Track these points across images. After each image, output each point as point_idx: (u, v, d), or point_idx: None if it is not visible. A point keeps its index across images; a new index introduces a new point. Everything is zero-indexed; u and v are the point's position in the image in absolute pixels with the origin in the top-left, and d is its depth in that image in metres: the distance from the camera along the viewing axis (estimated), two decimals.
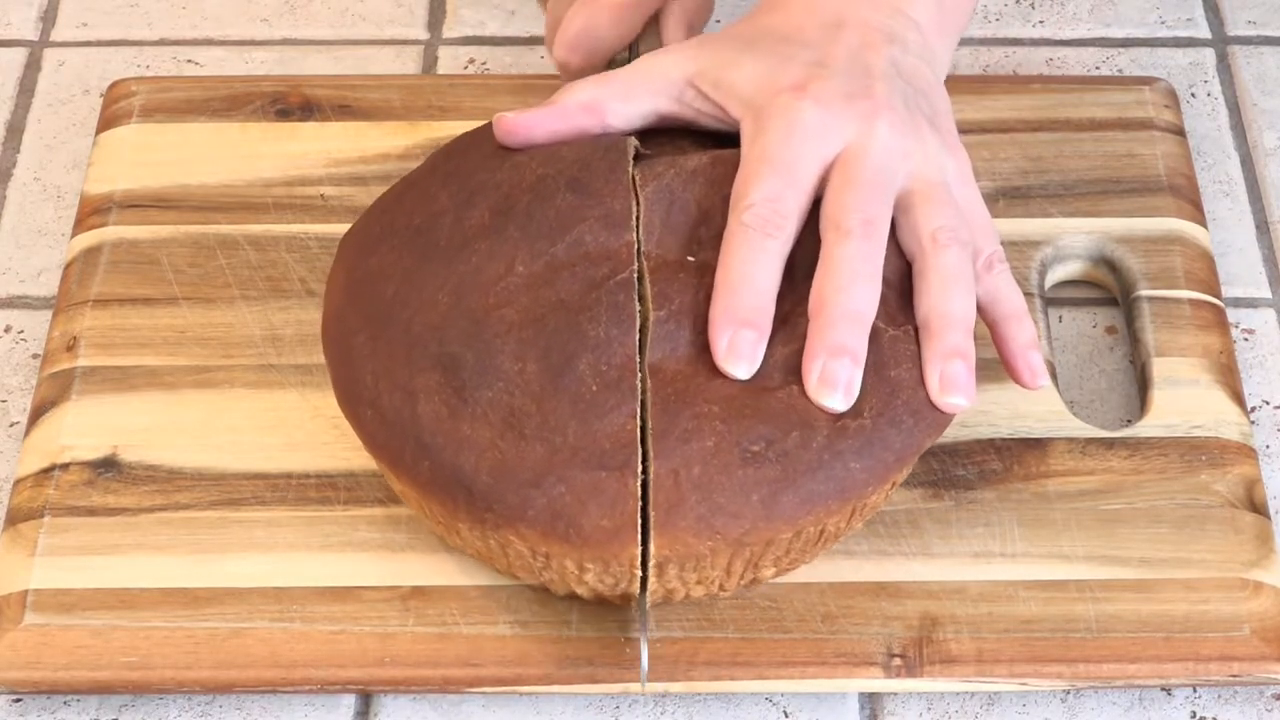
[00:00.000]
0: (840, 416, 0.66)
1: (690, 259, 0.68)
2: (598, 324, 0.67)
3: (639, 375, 0.66)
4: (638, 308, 0.67)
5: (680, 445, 0.65)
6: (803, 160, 0.68)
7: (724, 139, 0.72)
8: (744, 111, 0.70)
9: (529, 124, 0.72)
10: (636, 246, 0.68)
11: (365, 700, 0.72)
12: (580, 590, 0.69)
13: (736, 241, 0.67)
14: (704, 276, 0.68)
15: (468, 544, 0.69)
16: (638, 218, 0.69)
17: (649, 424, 0.65)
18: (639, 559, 0.66)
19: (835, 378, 0.66)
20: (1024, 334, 0.71)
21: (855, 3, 0.73)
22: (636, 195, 0.70)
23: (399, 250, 0.70)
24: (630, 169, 0.70)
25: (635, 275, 0.68)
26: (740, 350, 0.66)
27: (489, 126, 0.73)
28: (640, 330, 0.67)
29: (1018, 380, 0.71)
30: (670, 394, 0.66)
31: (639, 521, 0.65)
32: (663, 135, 0.73)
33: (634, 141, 0.71)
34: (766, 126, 0.69)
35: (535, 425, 0.65)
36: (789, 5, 0.74)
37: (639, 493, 0.65)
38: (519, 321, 0.67)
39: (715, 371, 0.66)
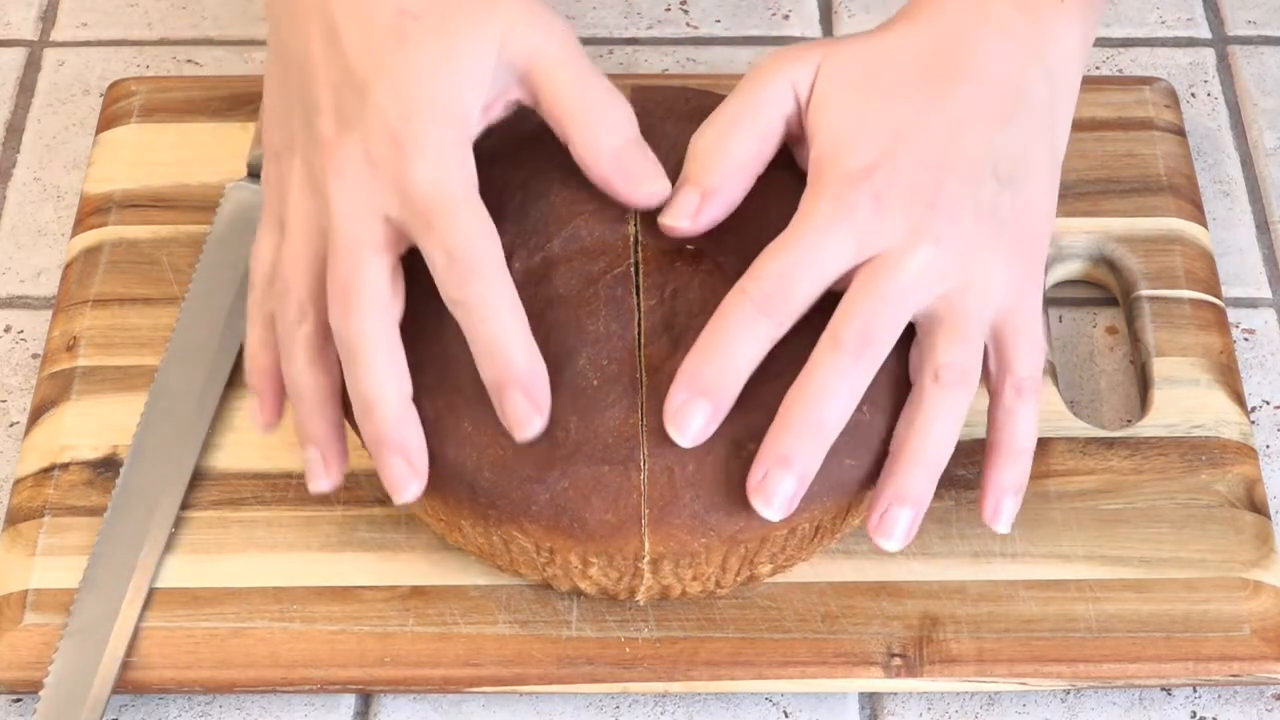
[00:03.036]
0: None
1: (689, 247, 0.68)
2: (596, 318, 0.67)
3: (639, 368, 0.66)
4: (636, 301, 0.67)
5: (674, 441, 0.65)
6: (832, 254, 0.64)
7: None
8: (812, 166, 0.66)
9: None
10: (634, 238, 0.68)
11: (365, 700, 0.72)
12: (584, 585, 0.69)
13: (732, 308, 0.64)
14: (700, 264, 0.68)
15: (469, 541, 0.69)
16: (635, 210, 0.69)
17: (645, 419, 0.65)
18: (644, 552, 0.66)
19: (773, 490, 0.64)
20: (1011, 474, 0.67)
21: (991, 41, 0.67)
22: None
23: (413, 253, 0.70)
24: None
25: (633, 268, 0.68)
26: (688, 419, 0.64)
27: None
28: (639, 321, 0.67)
29: (980, 511, 0.68)
30: (665, 387, 0.65)
31: (641, 514, 0.65)
32: (675, 126, 0.71)
33: None
34: (816, 204, 0.64)
35: None
36: (925, 21, 0.68)
37: (643, 486, 0.65)
38: None
39: None
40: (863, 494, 0.67)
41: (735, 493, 0.65)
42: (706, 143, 0.67)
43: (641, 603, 0.70)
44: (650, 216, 0.68)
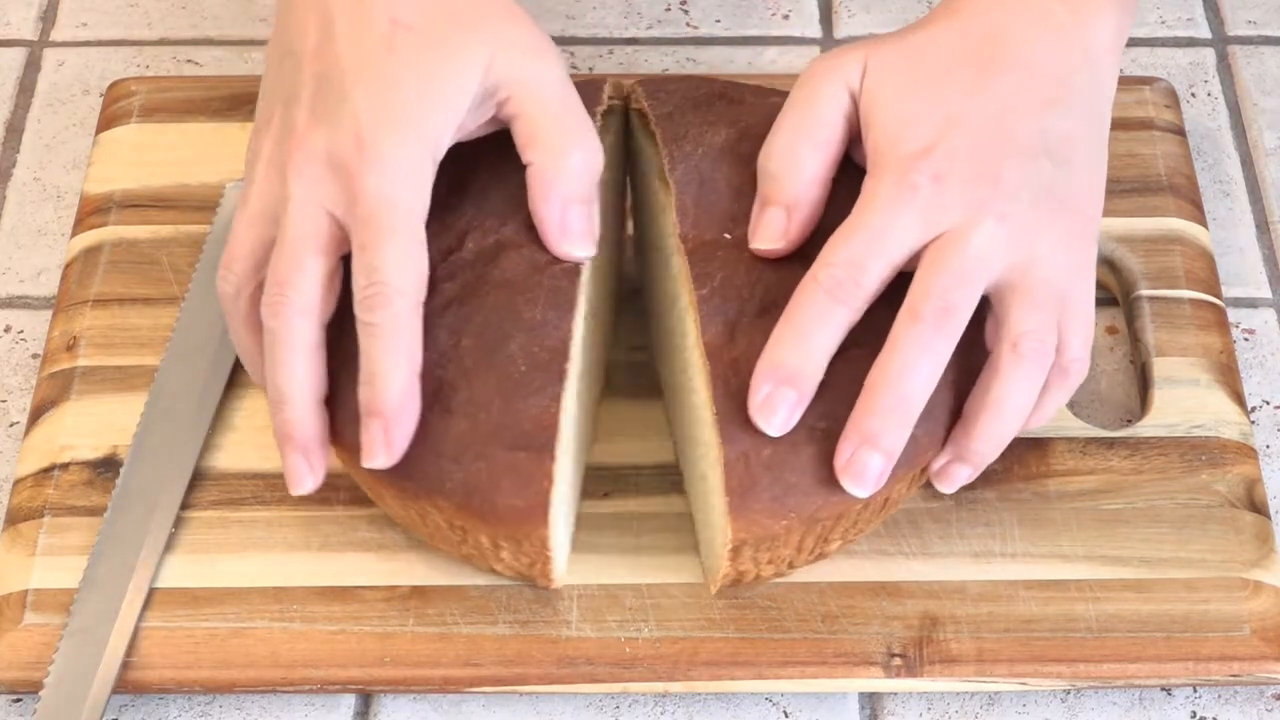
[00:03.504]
0: None
1: (726, 236, 0.69)
2: (535, 306, 0.67)
3: (569, 361, 0.66)
4: (583, 295, 0.68)
5: (747, 428, 0.65)
6: (899, 235, 0.65)
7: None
8: (870, 155, 0.67)
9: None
10: (676, 231, 0.69)
11: (365, 700, 0.72)
12: (499, 568, 0.69)
13: (806, 298, 0.65)
14: (742, 251, 0.68)
15: (394, 510, 0.70)
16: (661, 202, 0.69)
17: (715, 407, 0.66)
18: (549, 540, 0.66)
19: (864, 469, 0.65)
20: (989, 445, 0.67)
21: (1033, 30, 0.68)
22: (666, 181, 0.70)
23: None
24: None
25: (583, 266, 0.68)
26: (775, 408, 0.65)
27: None
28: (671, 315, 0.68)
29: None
30: (730, 375, 0.66)
31: (551, 503, 0.65)
32: (695, 114, 0.72)
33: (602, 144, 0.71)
34: (878, 189, 0.66)
35: (462, 400, 0.66)
36: (966, 14, 0.69)
37: (554, 474, 0.65)
38: (460, 297, 0.67)
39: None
40: (929, 461, 0.68)
41: (812, 473, 0.65)
42: (778, 160, 0.68)
43: (714, 592, 0.70)
44: (690, 212, 0.69)
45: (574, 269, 0.68)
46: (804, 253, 0.68)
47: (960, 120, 0.66)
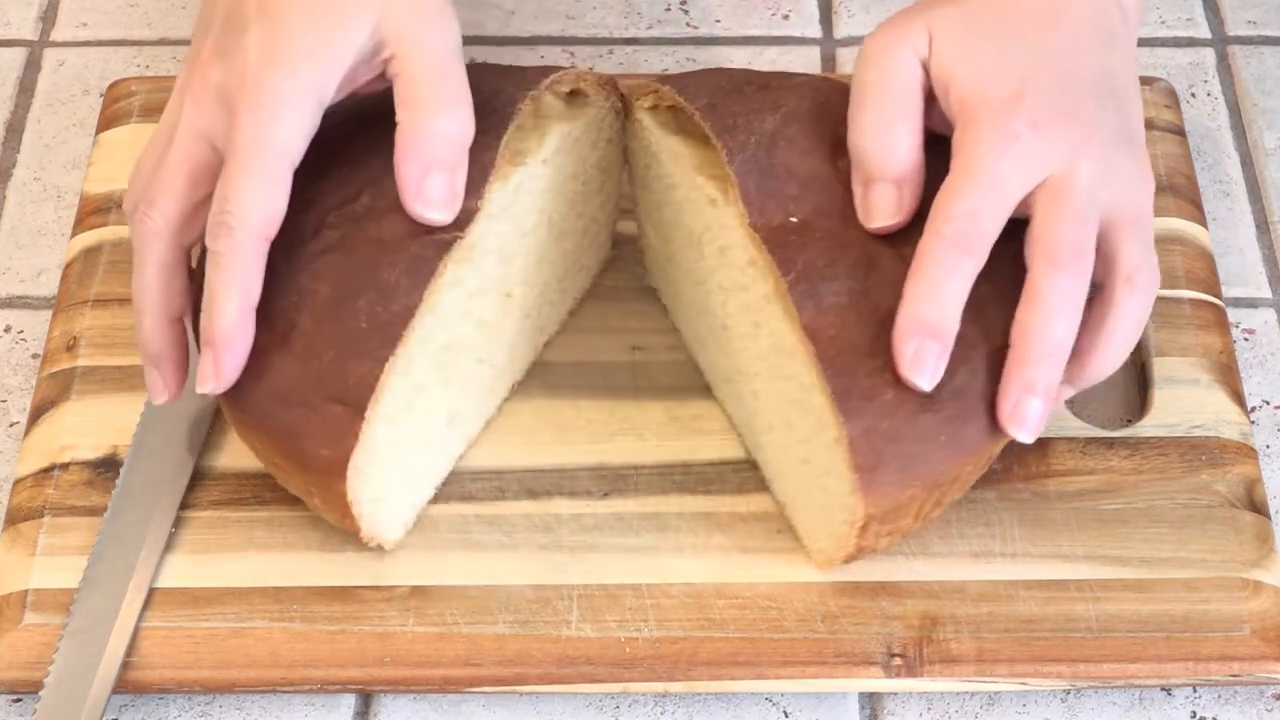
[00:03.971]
0: (995, 341, 0.67)
1: (792, 219, 0.69)
2: (394, 269, 0.67)
3: (409, 329, 0.67)
4: (444, 270, 0.68)
5: (864, 404, 0.66)
6: (1010, 182, 0.67)
7: None
8: (958, 111, 0.68)
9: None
10: (745, 221, 0.69)
11: (365, 700, 0.72)
12: (327, 517, 0.71)
13: (934, 253, 0.66)
14: (812, 232, 0.69)
15: (241, 437, 0.72)
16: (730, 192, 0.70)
17: (830, 387, 0.66)
18: (349, 496, 0.68)
19: (1027, 415, 0.66)
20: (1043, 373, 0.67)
21: None
22: (704, 174, 0.71)
23: (308, 161, 0.71)
24: (505, 142, 0.70)
25: (459, 242, 0.68)
26: (924, 362, 0.66)
27: None
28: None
29: (999, 412, 0.67)
30: (834, 354, 0.67)
31: (354, 460, 0.66)
32: (736, 104, 0.72)
33: (518, 120, 0.71)
34: (979, 138, 0.67)
35: (303, 345, 0.67)
36: None
37: (361, 433, 0.66)
38: (335, 246, 0.68)
39: (865, 325, 0.67)
40: None
41: (932, 439, 0.66)
42: (874, 138, 0.69)
43: (826, 570, 0.71)
44: (755, 200, 0.69)
45: (446, 242, 0.68)
46: (857, 222, 0.69)
47: (1038, 68, 0.68)
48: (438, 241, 0.68)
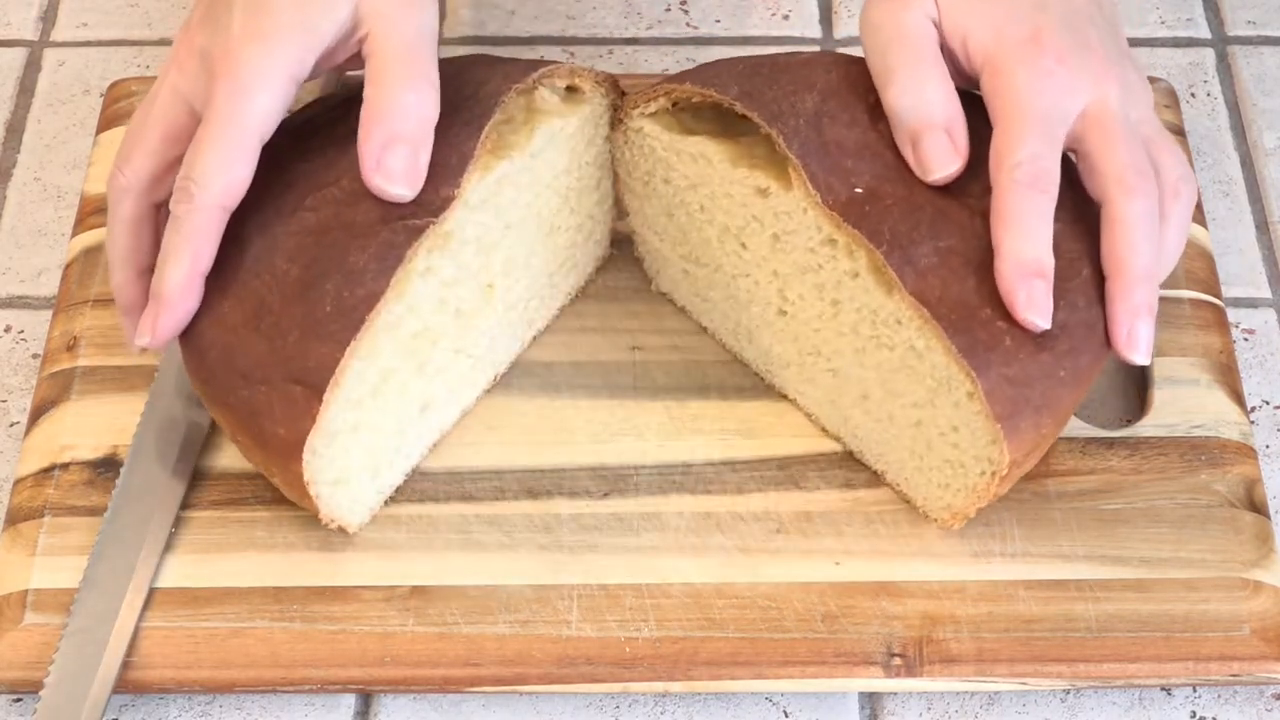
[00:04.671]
0: (1084, 270, 0.69)
1: (858, 190, 0.70)
2: (363, 253, 0.68)
3: (374, 314, 0.67)
4: (414, 256, 0.68)
5: (989, 354, 0.67)
6: (1056, 118, 0.69)
7: None
8: (981, 60, 0.70)
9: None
10: (818, 201, 0.70)
11: (365, 700, 0.72)
12: (293, 499, 0.71)
13: (1015, 199, 0.68)
14: (882, 200, 0.69)
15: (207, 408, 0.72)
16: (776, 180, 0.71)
17: (955, 345, 0.67)
18: (305, 478, 0.68)
19: (1139, 338, 0.68)
20: (1138, 295, 0.69)
21: None
22: (793, 158, 0.71)
23: (287, 144, 0.72)
24: (485, 132, 0.71)
25: (432, 228, 0.68)
26: (1037, 301, 0.67)
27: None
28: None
29: (1115, 340, 0.70)
30: (946, 313, 0.67)
31: (310, 442, 0.67)
32: (768, 90, 0.73)
33: (502, 112, 0.72)
34: (1014, 81, 0.69)
35: (270, 324, 0.67)
36: None
37: (318, 415, 0.67)
38: (310, 228, 0.69)
39: (962, 279, 0.68)
40: None
41: (1054, 375, 0.67)
42: (912, 94, 0.71)
43: (956, 528, 0.72)
44: (821, 179, 0.70)
45: (417, 229, 0.68)
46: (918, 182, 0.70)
47: (1043, 5, 0.71)
48: (409, 227, 0.68)
